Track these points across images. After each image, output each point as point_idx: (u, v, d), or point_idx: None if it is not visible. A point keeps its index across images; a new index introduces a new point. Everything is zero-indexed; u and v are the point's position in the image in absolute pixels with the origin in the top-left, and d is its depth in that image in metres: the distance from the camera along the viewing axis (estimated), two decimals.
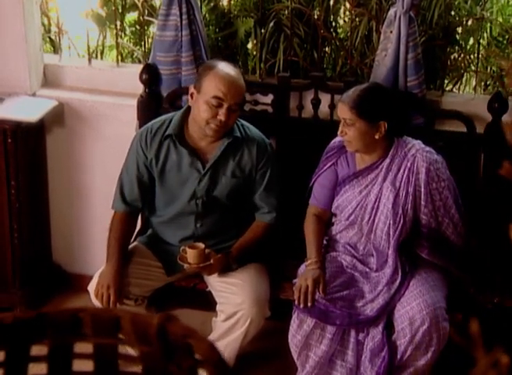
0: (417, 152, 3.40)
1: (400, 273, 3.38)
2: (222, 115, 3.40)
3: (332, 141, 3.58)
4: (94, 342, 1.06)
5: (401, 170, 3.39)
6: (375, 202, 3.44)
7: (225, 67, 3.47)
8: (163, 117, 3.64)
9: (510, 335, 3.43)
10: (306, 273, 3.41)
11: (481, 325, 3.32)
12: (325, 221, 3.62)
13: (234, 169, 3.54)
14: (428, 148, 3.42)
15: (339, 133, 3.41)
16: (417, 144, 3.44)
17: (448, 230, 3.43)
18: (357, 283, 3.45)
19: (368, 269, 3.48)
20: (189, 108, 3.54)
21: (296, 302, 3.35)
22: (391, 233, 3.39)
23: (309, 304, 3.32)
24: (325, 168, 3.56)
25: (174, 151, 3.55)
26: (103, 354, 1.06)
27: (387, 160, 3.42)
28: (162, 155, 3.56)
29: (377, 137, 3.38)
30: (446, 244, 3.44)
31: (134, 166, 3.60)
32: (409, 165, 3.38)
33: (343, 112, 3.37)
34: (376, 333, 3.33)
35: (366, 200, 3.47)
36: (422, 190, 3.37)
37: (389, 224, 3.39)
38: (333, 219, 3.62)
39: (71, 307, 1.12)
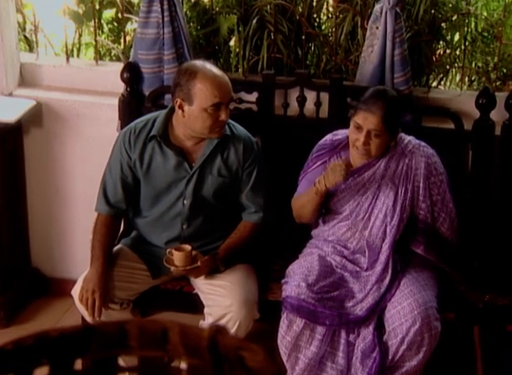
0: (414, 148, 3.38)
1: (390, 271, 3.34)
2: (223, 116, 3.35)
3: (323, 139, 3.53)
4: (140, 355, 1.00)
5: (399, 167, 3.37)
6: (372, 199, 3.40)
7: (206, 69, 3.36)
8: (146, 117, 3.56)
9: (500, 333, 3.42)
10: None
11: (473, 323, 3.30)
12: None
13: (220, 167, 3.48)
14: (423, 143, 3.41)
15: (361, 144, 3.29)
16: (412, 139, 3.42)
17: (443, 226, 3.40)
18: (346, 284, 3.40)
19: (358, 269, 3.43)
20: (173, 109, 3.46)
21: None
22: (388, 230, 3.36)
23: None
24: (315, 166, 3.50)
25: (159, 152, 3.48)
26: (148, 367, 1.00)
27: (385, 158, 3.39)
28: (147, 156, 3.49)
29: (392, 144, 3.37)
30: (440, 240, 3.40)
31: (118, 166, 3.52)
32: (407, 161, 3.37)
33: (372, 124, 3.26)
34: (367, 334, 3.29)
35: (363, 198, 3.43)
36: (421, 185, 3.35)
37: (387, 222, 3.36)
38: (325, 218, 3.55)
39: (120, 320, 1.06)
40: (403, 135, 3.43)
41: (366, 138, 3.29)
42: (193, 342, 0.99)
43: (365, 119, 3.28)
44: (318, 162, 3.50)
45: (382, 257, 3.36)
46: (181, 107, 3.36)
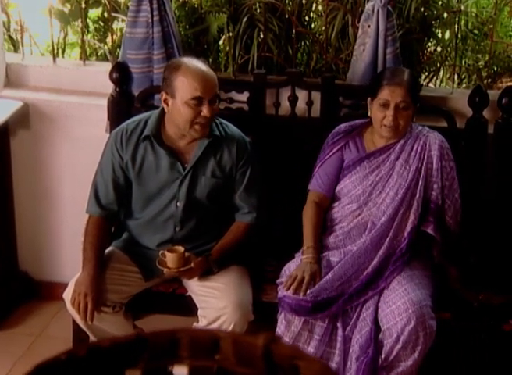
0: (428, 133, 3.45)
1: (387, 240, 3.35)
2: (205, 111, 3.29)
3: (337, 128, 3.54)
4: (190, 364, 0.97)
5: (414, 148, 3.42)
6: (385, 178, 3.43)
7: (191, 63, 3.34)
8: (138, 117, 3.52)
9: (495, 332, 3.40)
10: (303, 265, 3.37)
11: (467, 322, 3.28)
12: (324, 209, 3.56)
13: (214, 168, 3.45)
14: (435, 131, 3.48)
15: (391, 119, 3.33)
16: (426, 127, 3.49)
17: (447, 214, 3.42)
18: (346, 265, 3.39)
19: (359, 247, 3.41)
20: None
21: (285, 288, 3.30)
22: (394, 207, 3.37)
23: (301, 294, 3.27)
24: (332, 153, 3.51)
25: (151, 153, 3.44)
26: None
27: (401, 141, 3.43)
28: (139, 157, 3.45)
29: (413, 120, 3.44)
30: (444, 228, 3.41)
31: (109, 168, 3.48)
32: (421, 143, 3.42)
33: (400, 95, 3.32)
34: (364, 326, 3.27)
35: (377, 177, 3.44)
36: (434, 166, 3.39)
37: (397, 199, 3.37)
38: (336, 202, 3.54)
39: (168, 328, 1.03)
40: (415, 124, 3.49)
41: (395, 112, 3.33)
42: (247, 351, 0.97)
43: (392, 93, 3.32)
44: (335, 148, 3.51)
45: (379, 224, 3.39)
46: (166, 101, 3.34)
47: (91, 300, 3.34)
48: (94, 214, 3.51)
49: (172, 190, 3.45)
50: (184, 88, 3.28)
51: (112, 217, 3.57)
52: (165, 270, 3.35)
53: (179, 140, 3.44)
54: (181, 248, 3.35)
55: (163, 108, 3.44)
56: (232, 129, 3.51)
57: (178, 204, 3.45)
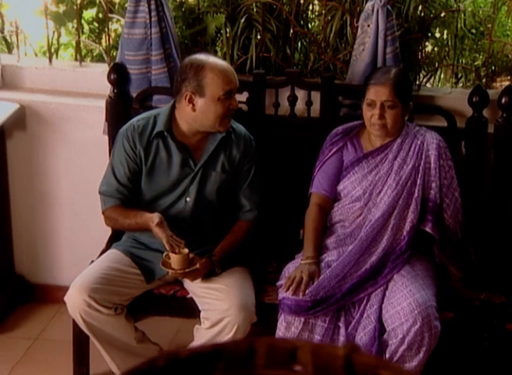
0: (426, 132, 3.46)
1: (387, 235, 3.36)
2: (234, 103, 3.39)
3: (335, 130, 3.55)
4: (265, 374, 0.95)
5: (412, 147, 3.43)
6: (384, 177, 3.43)
7: (211, 59, 3.39)
8: (145, 115, 3.52)
9: (497, 331, 3.41)
10: (302, 266, 3.36)
11: (470, 322, 3.28)
12: (327, 211, 3.56)
13: (224, 163, 3.47)
14: (433, 131, 3.48)
15: (377, 118, 3.35)
16: (423, 127, 3.50)
17: (447, 213, 3.42)
18: (343, 262, 3.38)
19: (355, 244, 3.41)
20: (174, 105, 3.44)
21: (284, 289, 3.30)
22: (389, 203, 3.38)
23: (300, 294, 3.27)
24: (331, 153, 3.52)
25: (163, 150, 3.44)
26: None
27: (398, 140, 3.44)
28: (151, 154, 3.45)
29: (406, 118, 3.45)
30: (444, 227, 3.41)
31: (125, 165, 3.45)
32: (419, 142, 3.42)
33: (385, 95, 3.34)
34: (368, 324, 3.26)
35: (376, 177, 3.45)
36: (432, 165, 3.40)
37: (392, 196, 3.38)
38: (335, 204, 3.54)
39: (248, 338, 1.00)
40: (412, 123, 3.50)
41: (381, 111, 3.35)
42: (326, 361, 0.95)
43: (377, 92, 3.35)
44: (334, 149, 3.52)
45: (373, 219, 3.39)
46: (191, 101, 3.34)
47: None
48: (114, 204, 3.48)
49: (182, 186, 3.46)
50: (216, 84, 3.32)
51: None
52: (170, 272, 3.33)
53: (192, 136, 3.45)
54: (186, 249, 3.33)
55: (173, 105, 3.43)
56: (239, 125, 3.55)
57: (187, 199, 3.45)
